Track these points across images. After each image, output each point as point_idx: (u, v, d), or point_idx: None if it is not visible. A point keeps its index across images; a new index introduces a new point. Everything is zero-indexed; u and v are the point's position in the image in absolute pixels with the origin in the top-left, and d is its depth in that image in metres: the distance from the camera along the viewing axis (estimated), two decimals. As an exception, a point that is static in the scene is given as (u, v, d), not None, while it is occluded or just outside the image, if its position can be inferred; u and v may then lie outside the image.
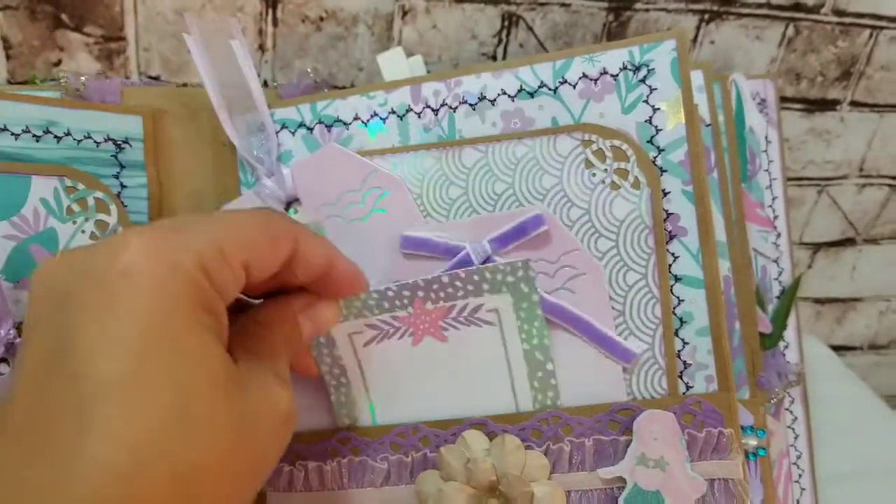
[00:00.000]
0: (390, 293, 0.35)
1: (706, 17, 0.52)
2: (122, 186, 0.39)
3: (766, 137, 0.49)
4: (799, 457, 0.48)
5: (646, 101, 0.34)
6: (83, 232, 0.37)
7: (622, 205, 0.34)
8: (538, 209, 0.35)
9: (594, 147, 0.34)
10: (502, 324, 0.35)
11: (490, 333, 0.35)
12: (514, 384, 0.35)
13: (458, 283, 0.35)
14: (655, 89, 0.34)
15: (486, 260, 0.35)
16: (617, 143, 0.34)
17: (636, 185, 0.34)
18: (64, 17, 0.44)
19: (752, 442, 0.37)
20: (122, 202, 0.38)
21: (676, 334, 0.34)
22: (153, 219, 0.40)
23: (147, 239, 0.24)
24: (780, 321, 0.47)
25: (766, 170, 0.48)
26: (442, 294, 0.35)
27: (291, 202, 0.38)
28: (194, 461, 0.22)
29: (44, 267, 0.25)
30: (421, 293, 0.35)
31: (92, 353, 0.22)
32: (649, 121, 0.34)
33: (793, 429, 0.48)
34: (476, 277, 0.34)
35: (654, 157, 0.34)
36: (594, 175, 0.34)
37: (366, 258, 0.35)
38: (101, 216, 0.37)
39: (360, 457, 0.36)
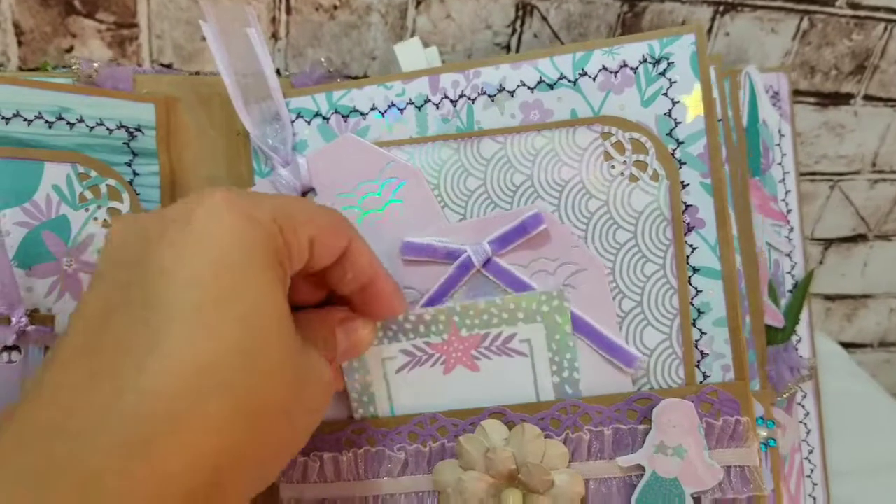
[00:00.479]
0: (427, 317, 0.35)
1: (721, 8, 0.52)
2: (135, 174, 0.39)
3: (780, 131, 0.49)
4: (811, 452, 0.48)
5: (665, 94, 0.34)
6: (96, 219, 0.37)
7: (641, 197, 0.34)
8: (537, 208, 0.35)
9: (613, 139, 0.34)
10: (534, 355, 0.35)
11: (521, 365, 0.35)
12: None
13: (493, 311, 0.35)
14: (675, 82, 0.34)
15: (487, 262, 0.35)
16: (636, 135, 0.34)
17: (655, 177, 0.34)
18: (76, 3, 0.44)
19: (763, 433, 0.37)
20: (135, 190, 0.38)
21: (694, 325, 0.34)
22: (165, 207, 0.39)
23: (224, 194, 0.24)
24: (792, 316, 0.47)
25: (780, 163, 0.48)
26: (477, 321, 0.35)
27: (306, 192, 0.38)
28: (256, 398, 0.23)
29: (117, 222, 0.25)
30: (457, 318, 0.35)
31: (167, 282, 0.22)
32: (669, 114, 0.34)
33: (805, 424, 0.48)
34: (512, 305, 0.34)
35: (674, 150, 0.34)
36: (613, 167, 0.34)
37: (381, 249, 0.35)
38: (114, 204, 0.37)
39: (376, 447, 0.36)
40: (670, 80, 0.34)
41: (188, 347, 0.22)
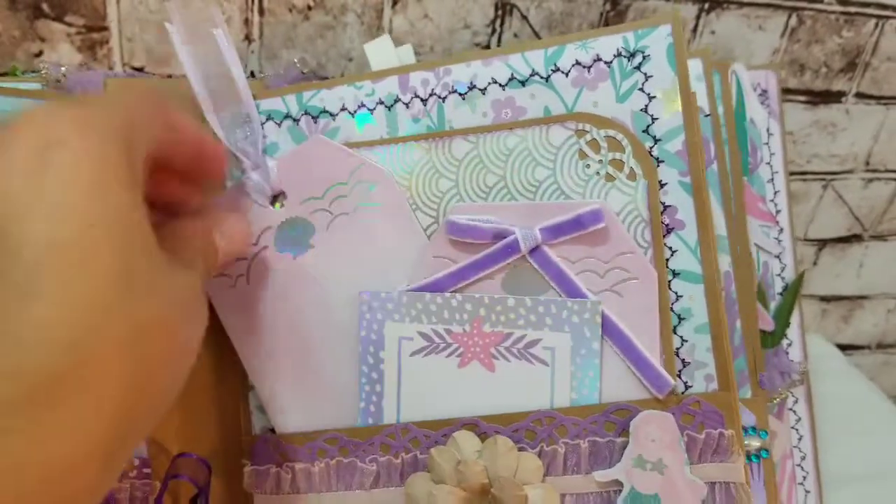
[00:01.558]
0: (454, 302, 0.34)
1: (706, 6, 0.51)
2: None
3: (768, 130, 0.47)
4: (803, 458, 0.47)
5: (641, 89, 0.33)
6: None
7: (618, 197, 0.33)
8: (597, 203, 0.33)
9: (588, 137, 0.33)
10: (555, 366, 0.33)
11: (540, 374, 0.33)
12: None
13: (521, 310, 0.33)
14: (651, 77, 0.33)
15: (535, 249, 0.33)
16: (612, 132, 0.33)
17: (632, 176, 0.33)
18: (45, 6, 0.43)
19: (755, 443, 0.36)
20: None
21: (675, 331, 0.33)
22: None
23: (67, 113, 0.23)
24: (782, 319, 0.45)
25: (768, 163, 0.47)
26: (503, 318, 0.33)
27: (277, 195, 0.37)
28: (140, 324, 0.22)
29: None
30: (483, 311, 0.34)
31: (31, 219, 0.21)
32: (645, 109, 0.33)
33: (797, 429, 0.47)
34: (541, 309, 0.33)
35: (651, 148, 0.33)
36: (588, 166, 0.33)
37: (350, 251, 0.34)
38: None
39: (348, 458, 0.35)
40: (646, 74, 0.33)
41: (67, 287, 0.21)
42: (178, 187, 0.32)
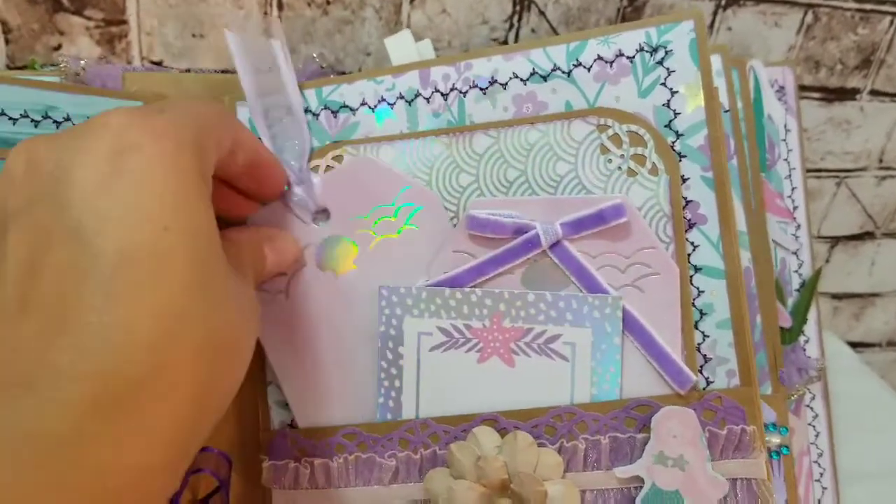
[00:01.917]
0: (473, 297, 0.34)
1: (723, 2, 0.51)
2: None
3: (785, 126, 0.47)
4: (820, 455, 0.47)
5: (663, 84, 0.33)
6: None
7: (639, 192, 0.33)
8: (619, 198, 0.33)
9: (610, 132, 0.33)
10: (575, 361, 0.33)
11: (560, 370, 0.33)
12: None
13: (542, 306, 0.33)
14: (673, 71, 0.33)
15: (556, 244, 0.33)
16: (634, 127, 0.33)
17: (654, 171, 0.33)
18: (64, 0, 0.43)
19: (775, 440, 0.36)
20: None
21: (696, 327, 0.33)
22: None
23: (141, 118, 0.23)
24: (800, 315, 0.45)
25: (786, 159, 0.47)
26: (523, 313, 0.33)
27: (320, 212, 0.36)
28: (213, 329, 0.22)
29: (24, 146, 0.23)
30: (503, 306, 0.33)
31: (106, 226, 0.21)
32: (667, 104, 0.33)
33: (813, 426, 0.47)
34: (562, 304, 0.33)
35: (673, 142, 0.33)
36: (610, 161, 0.33)
37: (396, 275, 0.34)
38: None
39: (367, 453, 0.35)
40: (668, 69, 0.33)
41: (147, 292, 0.21)
42: (236, 200, 0.32)
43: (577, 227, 0.33)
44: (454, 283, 0.34)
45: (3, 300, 0.21)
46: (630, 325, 0.33)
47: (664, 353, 0.32)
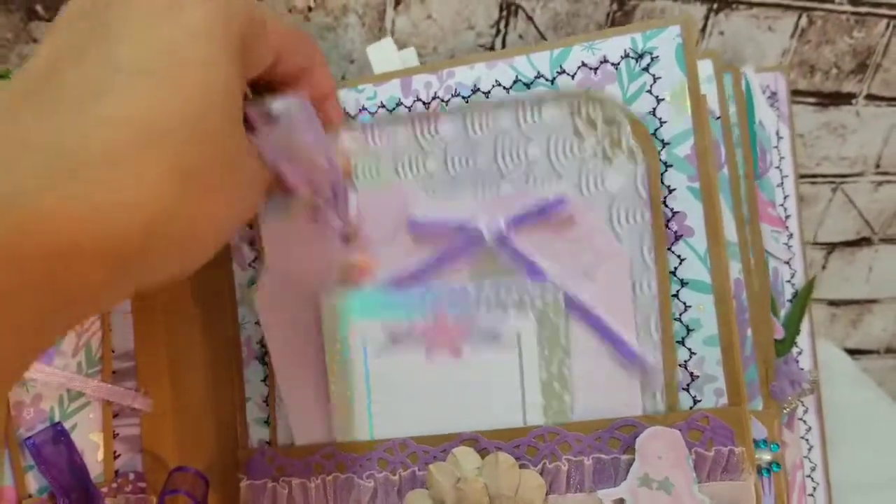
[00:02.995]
0: (418, 297, 0.34)
1: (715, 6, 0.50)
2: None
3: (777, 133, 0.46)
4: (813, 469, 0.46)
5: (649, 91, 0.32)
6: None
7: (615, 178, 0.32)
8: (562, 188, 0.33)
9: (584, 115, 0.32)
10: (522, 349, 0.33)
11: (507, 357, 0.33)
12: (525, 411, 0.33)
13: (485, 299, 0.33)
14: (659, 78, 0.32)
15: (501, 238, 0.33)
16: (609, 110, 0.32)
17: (631, 156, 0.32)
18: (38, 8, 0.42)
19: (766, 457, 0.35)
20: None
21: (683, 343, 0.32)
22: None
23: None
24: (792, 326, 0.44)
25: (778, 167, 0.46)
26: (467, 308, 0.33)
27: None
28: (192, 162, 0.22)
29: None
30: (445, 302, 0.33)
31: (130, 43, 0.22)
32: (653, 112, 0.32)
33: (807, 439, 0.46)
34: (505, 296, 0.33)
35: (659, 152, 0.32)
36: (584, 146, 0.32)
37: None
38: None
39: (345, 473, 0.34)
40: (654, 75, 0.32)
41: (132, 102, 0.21)
42: None
43: (520, 221, 0.33)
44: (400, 282, 0.34)
45: (7, 91, 0.22)
46: (578, 310, 0.32)
47: (613, 334, 0.32)
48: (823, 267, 0.66)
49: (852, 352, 0.72)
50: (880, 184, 0.62)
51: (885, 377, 0.75)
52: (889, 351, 0.75)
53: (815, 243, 0.64)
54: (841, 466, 0.48)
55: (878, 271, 0.68)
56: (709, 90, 0.36)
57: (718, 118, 0.37)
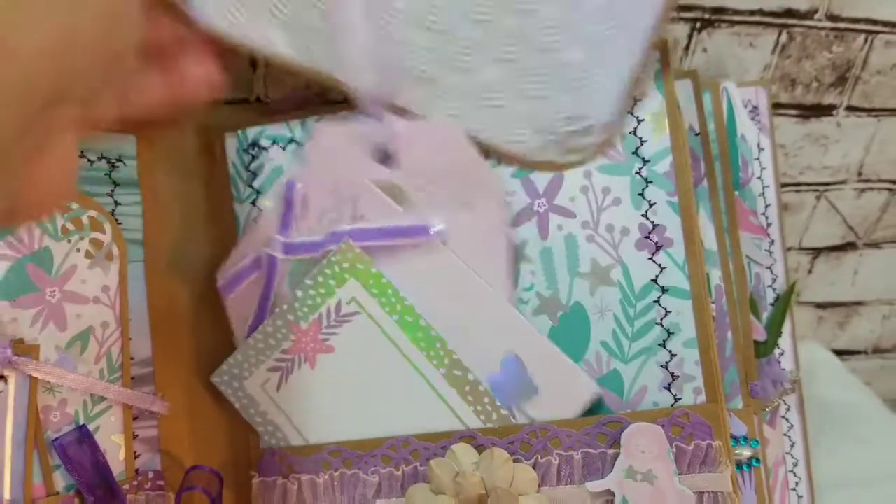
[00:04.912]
0: (269, 329, 0.37)
1: (698, 24, 0.52)
2: (117, 204, 0.39)
3: (759, 144, 0.49)
4: (795, 464, 0.48)
5: (630, 113, 0.34)
6: (78, 251, 0.37)
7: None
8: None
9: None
10: (365, 308, 0.36)
11: (363, 323, 0.36)
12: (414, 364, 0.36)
13: (310, 293, 0.37)
14: (639, 100, 0.34)
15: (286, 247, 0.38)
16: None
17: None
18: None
19: (746, 453, 0.37)
20: (117, 220, 0.38)
21: (664, 346, 0.34)
22: (148, 237, 0.40)
23: None
24: (774, 329, 0.46)
25: (759, 177, 0.48)
26: (305, 308, 0.37)
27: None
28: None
29: None
30: (290, 317, 0.37)
31: None
32: (634, 132, 0.34)
33: (789, 436, 0.48)
34: (321, 279, 0.36)
35: (640, 168, 0.34)
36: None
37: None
38: (96, 234, 0.37)
39: (351, 469, 0.36)
40: (634, 98, 0.34)
41: None
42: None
43: (284, 227, 0.38)
44: (254, 327, 0.38)
45: None
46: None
47: None
48: (809, 271, 0.68)
49: (840, 353, 0.73)
50: (863, 191, 0.64)
51: (873, 377, 0.76)
52: (877, 351, 0.76)
53: (801, 248, 0.67)
54: (829, 464, 0.50)
55: (863, 275, 0.70)
56: (688, 109, 0.38)
57: (698, 134, 0.39)
